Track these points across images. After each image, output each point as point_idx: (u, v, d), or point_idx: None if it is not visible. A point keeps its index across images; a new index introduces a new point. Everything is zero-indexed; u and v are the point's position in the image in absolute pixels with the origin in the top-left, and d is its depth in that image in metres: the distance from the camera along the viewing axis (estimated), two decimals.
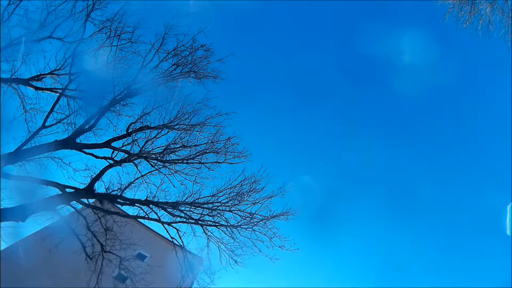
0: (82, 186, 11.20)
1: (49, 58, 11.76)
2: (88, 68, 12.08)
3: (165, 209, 11.47)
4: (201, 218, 11.67)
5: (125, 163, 11.77)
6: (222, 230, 11.71)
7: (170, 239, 11.90)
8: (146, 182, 12.05)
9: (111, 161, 11.67)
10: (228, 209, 11.68)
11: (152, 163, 11.96)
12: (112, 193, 11.47)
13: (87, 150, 11.52)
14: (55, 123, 11.56)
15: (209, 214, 11.75)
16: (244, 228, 11.66)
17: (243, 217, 11.67)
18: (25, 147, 10.61)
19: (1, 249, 12.65)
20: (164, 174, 12.02)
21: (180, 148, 12.16)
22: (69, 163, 12.04)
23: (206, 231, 11.73)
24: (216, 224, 11.68)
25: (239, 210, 11.71)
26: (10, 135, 11.36)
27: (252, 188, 11.85)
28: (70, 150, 11.40)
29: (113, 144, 11.80)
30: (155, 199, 11.62)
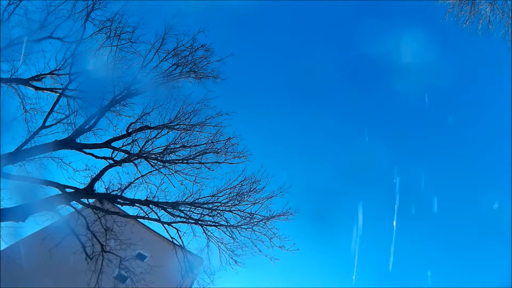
0: (82, 186, 11.19)
1: (49, 58, 11.77)
2: (88, 68, 12.08)
3: (165, 209, 11.46)
4: (201, 218, 11.66)
5: (125, 163, 11.76)
6: (222, 230, 11.71)
7: (170, 239, 11.89)
8: (146, 182, 12.05)
9: (111, 161, 11.65)
10: (228, 209, 11.67)
11: (152, 163, 11.95)
12: (112, 193, 11.46)
13: (87, 150, 11.50)
14: (55, 123, 11.55)
15: (209, 214, 11.74)
16: (244, 228, 11.65)
17: (243, 217, 11.66)
18: (25, 147, 10.60)
19: (1, 249, 12.63)
20: (164, 174, 12.03)
21: (180, 148, 12.15)
22: (69, 163, 12.05)
23: (206, 231, 11.73)
24: (216, 224, 11.68)
25: (239, 210, 11.71)
26: (10, 135, 11.38)
27: (252, 188, 11.84)
28: (70, 150, 11.38)
29: (113, 144, 11.79)
30: (155, 199, 11.61)
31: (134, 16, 12.02)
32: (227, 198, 11.75)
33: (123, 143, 11.92)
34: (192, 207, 11.62)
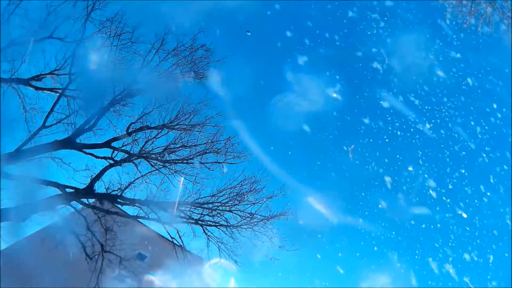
0: (82, 186, 11.19)
1: (49, 58, 11.71)
2: (88, 68, 12.08)
3: (165, 209, 11.46)
4: (201, 218, 11.66)
5: (125, 163, 11.76)
6: (222, 230, 11.71)
7: (170, 239, 11.89)
8: (146, 182, 12.04)
9: (111, 161, 11.66)
10: (228, 209, 11.68)
11: (152, 163, 11.95)
12: (112, 193, 11.46)
13: (87, 150, 11.51)
14: (55, 123, 11.53)
15: (209, 214, 11.75)
16: (244, 228, 11.65)
17: (243, 217, 11.67)
18: (25, 147, 10.60)
19: (1, 249, 12.63)
20: (164, 174, 12.02)
21: (180, 148, 12.16)
22: (69, 163, 12.00)
23: (206, 231, 11.73)
24: (216, 224, 11.68)
25: (239, 210, 11.72)
26: (10, 135, 11.35)
27: (252, 188, 11.86)
28: (70, 150, 11.39)
29: (113, 144, 11.79)
30: (155, 199, 11.61)
31: (134, 16, 12.04)
32: (227, 198, 11.76)
33: (123, 143, 11.94)
34: (192, 207, 11.62)
